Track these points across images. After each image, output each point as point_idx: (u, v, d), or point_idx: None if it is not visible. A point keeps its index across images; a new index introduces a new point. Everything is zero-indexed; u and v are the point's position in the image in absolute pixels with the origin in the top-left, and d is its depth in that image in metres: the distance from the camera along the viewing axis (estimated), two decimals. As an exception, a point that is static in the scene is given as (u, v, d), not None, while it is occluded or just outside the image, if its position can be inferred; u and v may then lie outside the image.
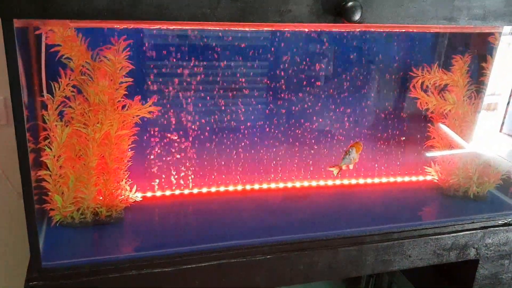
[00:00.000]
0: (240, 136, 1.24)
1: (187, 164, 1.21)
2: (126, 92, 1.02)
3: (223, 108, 1.20)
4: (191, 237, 1.05)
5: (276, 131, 1.26)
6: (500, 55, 1.26)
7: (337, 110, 1.29)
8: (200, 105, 1.18)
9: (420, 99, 1.27)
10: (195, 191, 1.24)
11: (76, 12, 0.74)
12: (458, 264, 1.22)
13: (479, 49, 1.28)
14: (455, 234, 1.15)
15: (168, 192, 1.22)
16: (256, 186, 1.30)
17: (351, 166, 1.18)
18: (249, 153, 1.26)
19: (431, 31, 1.29)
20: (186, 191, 1.24)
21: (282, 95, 1.23)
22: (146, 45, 1.09)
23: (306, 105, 1.26)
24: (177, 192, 1.23)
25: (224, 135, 1.22)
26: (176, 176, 1.22)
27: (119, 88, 1.01)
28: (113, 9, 0.75)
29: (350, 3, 0.84)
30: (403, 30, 1.26)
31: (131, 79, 1.01)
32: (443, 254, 1.16)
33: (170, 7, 0.77)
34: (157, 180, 1.20)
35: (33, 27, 0.91)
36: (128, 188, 1.09)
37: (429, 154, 1.34)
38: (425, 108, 1.29)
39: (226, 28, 1.12)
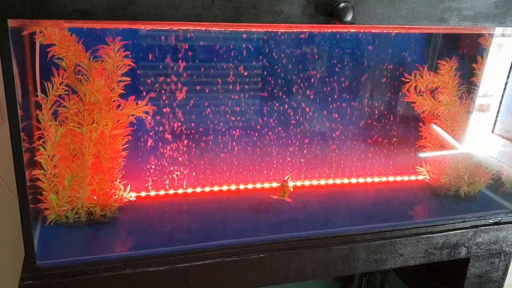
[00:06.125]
0: (234, 135, 1.24)
1: (181, 163, 1.22)
2: (124, 91, 1.02)
3: (217, 107, 1.21)
4: (185, 236, 1.06)
5: (270, 131, 1.27)
6: (491, 56, 1.28)
7: (331, 110, 1.30)
8: (194, 104, 1.18)
9: (417, 103, 1.29)
10: (189, 190, 1.25)
11: (70, 12, 0.74)
12: (450, 263, 1.23)
13: (470, 50, 1.29)
14: (446, 233, 1.16)
15: (162, 192, 1.22)
16: (250, 186, 1.30)
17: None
18: (242, 153, 1.27)
19: (422, 32, 1.30)
20: (180, 191, 1.24)
21: (278, 96, 1.24)
22: (139, 44, 1.09)
23: (300, 106, 1.27)
24: (171, 191, 1.24)
25: (218, 135, 1.23)
26: (170, 176, 1.22)
27: (117, 87, 1.01)
28: (106, 9, 0.75)
29: (342, 4, 0.85)
30: (391, 32, 1.27)
31: (128, 79, 1.02)
32: (434, 253, 1.17)
33: (164, 7, 0.78)
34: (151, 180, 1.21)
35: (27, 27, 0.91)
36: (122, 187, 1.10)
37: (420, 154, 1.35)
38: (422, 111, 1.30)
39: (220, 29, 1.13)
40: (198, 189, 1.26)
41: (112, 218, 1.07)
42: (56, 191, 1.02)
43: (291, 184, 1.21)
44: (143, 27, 1.06)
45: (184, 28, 1.09)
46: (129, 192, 1.12)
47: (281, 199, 1.18)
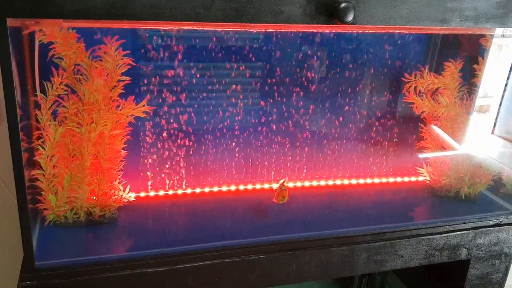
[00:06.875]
0: (234, 136, 1.24)
1: (181, 164, 1.22)
2: (124, 91, 1.02)
3: (216, 108, 1.20)
4: (185, 237, 1.06)
5: (270, 132, 1.26)
6: (492, 57, 1.27)
7: (331, 111, 1.30)
8: (194, 105, 1.18)
9: (416, 104, 1.28)
10: (189, 191, 1.25)
11: (70, 12, 0.74)
12: (450, 264, 1.23)
13: (471, 51, 1.29)
14: (446, 235, 1.16)
15: (161, 192, 1.22)
16: (250, 186, 1.30)
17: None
18: (242, 154, 1.26)
19: (423, 32, 1.30)
20: (180, 191, 1.24)
21: (278, 96, 1.24)
22: (138, 44, 1.09)
23: (300, 107, 1.27)
24: (171, 192, 1.23)
25: (218, 136, 1.23)
26: (169, 176, 1.22)
27: (117, 87, 1.01)
28: (106, 9, 0.75)
29: (343, 4, 0.85)
30: (393, 31, 1.27)
31: (128, 78, 1.02)
32: (435, 254, 1.17)
33: (164, 7, 0.77)
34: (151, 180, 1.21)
35: (26, 26, 0.91)
36: (121, 187, 1.09)
37: (421, 155, 1.35)
38: (421, 111, 1.29)
39: (220, 29, 1.12)
40: (198, 190, 1.25)
41: (111, 219, 1.07)
42: (55, 191, 1.01)
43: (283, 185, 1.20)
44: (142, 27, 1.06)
45: (184, 28, 1.09)
46: (128, 192, 1.11)
47: (280, 203, 1.17)
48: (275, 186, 1.21)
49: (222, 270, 1.00)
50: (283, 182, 1.19)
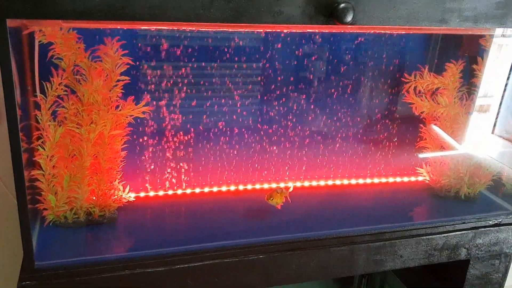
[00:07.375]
0: (233, 136, 1.24)
1: (180, 164, 1.22)
2: (123, 91, 1.02)
3: (216, 108, 1.20)
4: (184, 237, 1.05)
5: (269, 132, 1.27)
6: (492, 56, 1.27)
7: (330, 112, 1.30)
8: (193, 105, 1.18)
9: (415, 104, 1.28)
10: (188, 191, 1.25)
11: (69, 12, 0.74)
12: (449, 264, 1.23)
13: (471, 51, 1.29)
14: (446, 235, 1.16)
15: (161, 192, 1.22)
16: (249, 187, 1.30)
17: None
18: (241, 154, 1.26)
19: (422, 32, 1.30)
20: (179, 191, 1.24)
21: (277, 96, 1.24)
22: (137, 44, 1.09)
23: (300, 107, 1.27)
24: (170, 192, 1.23)
25: (217, 136, 1.23)
26: (169, 176, 1.22)
27: (116, 87, 1.01)
28: (105, 9, 0.75)
29: (342, 5, 0.85)
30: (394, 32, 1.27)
31: (127, 78, 1.02)
32: (434, 254, 1.17)
33: (163, 7, 0.78)
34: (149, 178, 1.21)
35: (26, 27, 0.91)
36: (121, 188, 1.10)
37: (421, 155, 1.35)
38: (420, 112, 1.29)
39: (219, 29, 1.13)
40: (197, 190, 1.26)
41: (111, 219, 1.07)
42: (55, 192, 1.01)
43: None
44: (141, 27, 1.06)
45: (183, 28, 1.09)
46: (128, 192, 1.12)
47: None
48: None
49: (221, 270, 1.00)
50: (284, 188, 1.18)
